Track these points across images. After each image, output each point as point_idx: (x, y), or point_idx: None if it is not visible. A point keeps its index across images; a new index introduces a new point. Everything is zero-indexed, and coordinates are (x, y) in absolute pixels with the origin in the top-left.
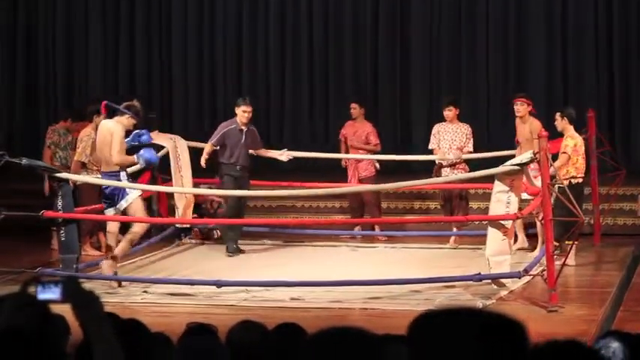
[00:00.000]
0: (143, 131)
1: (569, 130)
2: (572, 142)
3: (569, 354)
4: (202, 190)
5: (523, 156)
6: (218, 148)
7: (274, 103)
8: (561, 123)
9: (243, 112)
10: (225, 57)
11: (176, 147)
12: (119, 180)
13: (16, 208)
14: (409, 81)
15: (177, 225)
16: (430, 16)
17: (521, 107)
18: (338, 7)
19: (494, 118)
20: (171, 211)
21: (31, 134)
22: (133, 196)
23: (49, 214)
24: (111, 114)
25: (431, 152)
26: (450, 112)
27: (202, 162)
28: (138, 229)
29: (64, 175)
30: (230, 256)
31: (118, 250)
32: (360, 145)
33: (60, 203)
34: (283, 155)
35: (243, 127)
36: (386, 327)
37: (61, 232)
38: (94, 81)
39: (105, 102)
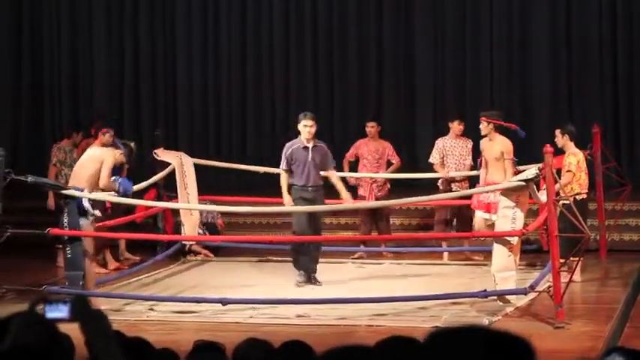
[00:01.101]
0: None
1: (571, 147)
2: (575, 159)
3: None
4: (208, 207)
5: (528, 172)
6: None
7: (279, 107)
8: (562, 140)
9: (304, 127)
10: (229, 53)
11: (182, 164)
12: (80, 201)
13: (21, 226)
14: (414, 92)
15: (183, 242)
16: (434, 26)
17: (481, 126)
18: (342, 14)
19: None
20: (177, 228)
21: (36, 133)
22: (88, 220)
23: (55, 232)
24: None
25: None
26: (462, 126)
27: (287, 199)
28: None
29: (70, 192)
30: (299, 285)
31: None
32: (382, 164)
33: (66, 220)
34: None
35: (307, 144)
36: None
37: (67, 249)
38: (99, 78)
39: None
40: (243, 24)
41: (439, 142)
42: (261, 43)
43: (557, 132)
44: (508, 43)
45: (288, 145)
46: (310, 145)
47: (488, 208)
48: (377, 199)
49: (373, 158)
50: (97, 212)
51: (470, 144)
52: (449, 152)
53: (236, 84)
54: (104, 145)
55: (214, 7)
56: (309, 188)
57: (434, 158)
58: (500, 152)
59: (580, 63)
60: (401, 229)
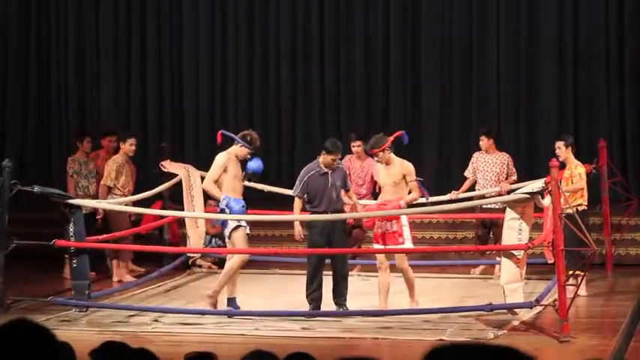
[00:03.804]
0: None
1: (574, 160)
2: (582, 169)
3: None
4: (214, 215)
5: (534, 184)
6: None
7: (285, 122)
8: (565, 152)
9: (332, 161)
10: (236, 65)
11: (189, 176)
12: (223, 209)
13: (28, 237)
14: (420, 111)
15: (188, 254)
16: (441, 41)
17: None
18: (349, 30)
19: (506, 146)
20: (183, 240)
21: (43, 147)
22: (232, 226)
23: (60, 243)
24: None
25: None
26: (482, 143)
27: (298, 233)
28: (234, 264)
29: (76, 201)
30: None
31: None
32: (366, 182)
33: (71, 230)
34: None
35: (327, 170)
36: (397, 357)
37: (73, 259)
38: (106, 91)
39: (221, 131)
40: (250, 35)
41: (473, 157)
42: (267, 55)
43: (561, 144)
44: (515, 56)
45: (304, 170)
46: (329, 171)
47: (384, 239)
48: (364, 222)
49: (358, 176)
50: (238, 223)
51: (506, 158)
52: (479, 167)
53: (243, 96)
54: (126, 153)
55: (221, 20)
56: (330, 214)
57: (467, 172)
58: (401, 176)
59: (587, 76)
60: (431, 242)
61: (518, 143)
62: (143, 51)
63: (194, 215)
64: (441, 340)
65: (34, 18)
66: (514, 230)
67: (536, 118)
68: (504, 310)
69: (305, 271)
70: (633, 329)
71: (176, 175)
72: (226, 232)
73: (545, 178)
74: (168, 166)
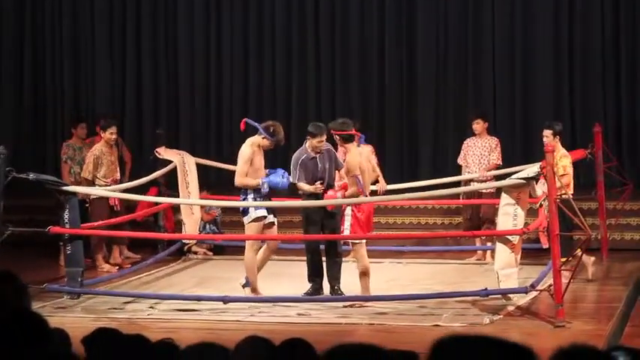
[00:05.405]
0: (280, 172)
1: (560, 149)
2: (568, 160)
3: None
4: (208, 202)
5: (529, 170)
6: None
7: (280, 108)
8: (553, 141)
9: (318, 144)
10: (231, 52)
11: (184, 162)
12: (246, 197)
13: (23, 224)
14: (416, 105)
15: (184, 240)
16: (436, 33)
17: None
18: (344, 17)
19: (502, 133)
20: (179, 227)
21: (38, 134)
22: (249, 218)
23: (55, 230)
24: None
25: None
26: (477, 126)
27: (314, 188)
28: (246, 259)
29: (71, 188)
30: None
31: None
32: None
33: (67, 217)
34: None
35: (315, 155)
36: (392, 342)
37: (67, 246)
38: (101, 77)
39: (245, 119)
40: (245, 22)
41: (464, 143)
42: (263, 42)
43: (549, 133)
44: (510, 44)
45: (295, 156)
46: (317, 155)
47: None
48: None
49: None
50: (261, 212)
51: (494, 142)
52: (470, 152)
53: (238, 83)
54: (107, 142)
55: (216, 7)
56: (322, 198)
57: (459, 159)
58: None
59: (582, 60)
60: (426, 228)
61: (514, 130)
62: (138, 37)
63: (189, 202)
64: (436, 325)
65: (28, 5)
66: (509, 216)
67: (532, 103)
68: (500, 296)
69: (299, 258)
70: (628, 314)
71: (171, 162)
72: (245, 219)
73: (540, 163)
74: (164, 152)
